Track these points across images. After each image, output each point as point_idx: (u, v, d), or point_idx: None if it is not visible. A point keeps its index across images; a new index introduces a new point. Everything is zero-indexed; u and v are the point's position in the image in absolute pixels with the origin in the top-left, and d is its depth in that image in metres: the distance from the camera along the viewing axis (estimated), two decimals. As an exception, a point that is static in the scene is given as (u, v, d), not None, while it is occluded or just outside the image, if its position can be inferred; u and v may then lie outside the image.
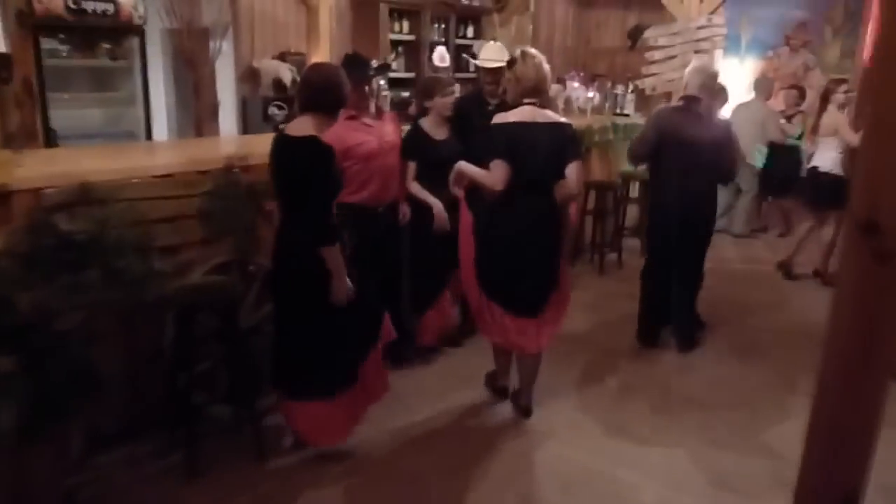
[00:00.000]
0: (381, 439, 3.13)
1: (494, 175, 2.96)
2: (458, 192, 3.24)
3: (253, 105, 5.67)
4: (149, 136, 4.67)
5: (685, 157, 3.90)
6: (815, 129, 5.68)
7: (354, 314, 2.76)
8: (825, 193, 5.36)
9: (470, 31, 7.59)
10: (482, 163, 3.04)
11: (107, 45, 4.24)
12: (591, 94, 6.42)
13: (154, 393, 2.95)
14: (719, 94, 5.06)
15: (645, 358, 4.13)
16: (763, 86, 6.85)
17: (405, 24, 6.77)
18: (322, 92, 2.64)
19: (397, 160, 3.53)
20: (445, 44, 7.25)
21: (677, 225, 3.98)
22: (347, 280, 2.66)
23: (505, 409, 3.43)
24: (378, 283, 3.12)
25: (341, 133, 3.16)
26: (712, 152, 3.90)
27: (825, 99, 5.57)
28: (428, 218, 3.64)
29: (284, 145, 2.65)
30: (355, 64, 3.36)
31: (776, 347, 4.35)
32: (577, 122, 5.74)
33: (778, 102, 7.14)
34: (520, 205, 3.03)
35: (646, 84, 6.73)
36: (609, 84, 7.08)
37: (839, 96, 5.47)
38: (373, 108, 3.45)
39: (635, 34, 7.54)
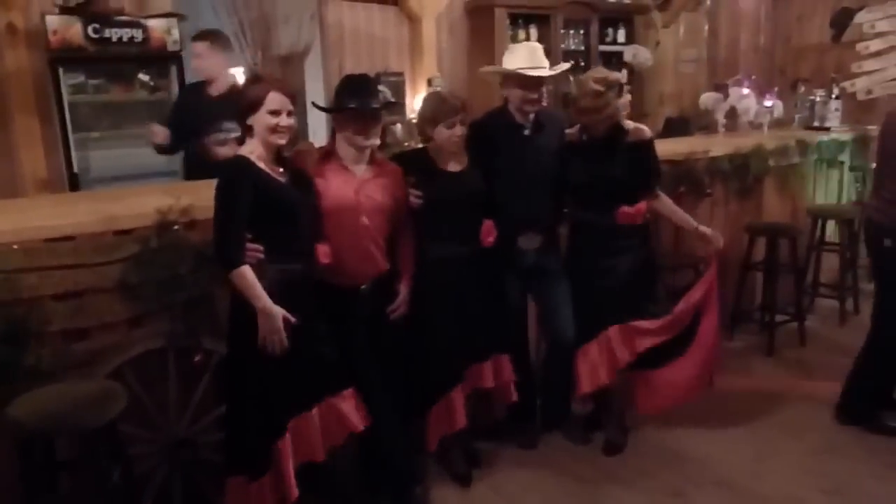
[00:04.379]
0: None
1: None
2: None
3: (341, 133, 4.97)
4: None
5: None
6: None
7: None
8: None
9: (620, 35, 6.29)
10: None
11: (143, 78, 3.75)
12: (769, 104, 4.82)
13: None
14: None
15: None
16: None
17: (532, 31, 5.69)
18: None
19: (384, 224, 2.48)
20: (586, 52, 6.05)
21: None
22: (276, 314, 2.11)
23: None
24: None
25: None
26: None
27: None
28: (440, 291, 2.61)
29: None
30: (353, 89, 2.43)
31: None
32: (740, 142, 4.29)
33: None
34: None
35: (856, 86, 4.98)
36: (802, 89, 5.36)
37: None
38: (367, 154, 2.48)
39: (841, 20, 5.67)
